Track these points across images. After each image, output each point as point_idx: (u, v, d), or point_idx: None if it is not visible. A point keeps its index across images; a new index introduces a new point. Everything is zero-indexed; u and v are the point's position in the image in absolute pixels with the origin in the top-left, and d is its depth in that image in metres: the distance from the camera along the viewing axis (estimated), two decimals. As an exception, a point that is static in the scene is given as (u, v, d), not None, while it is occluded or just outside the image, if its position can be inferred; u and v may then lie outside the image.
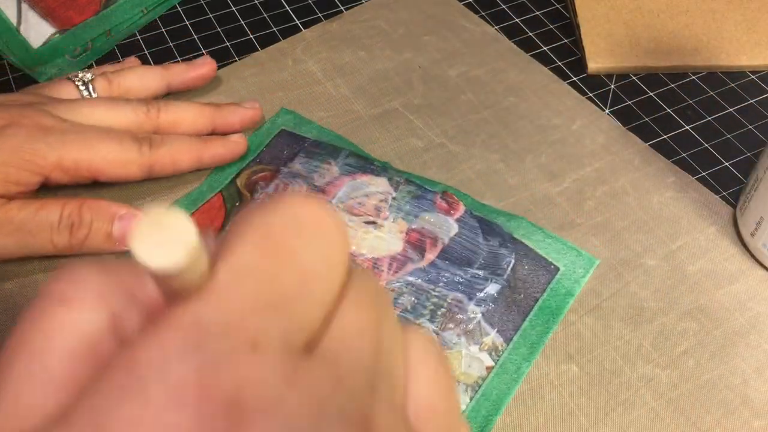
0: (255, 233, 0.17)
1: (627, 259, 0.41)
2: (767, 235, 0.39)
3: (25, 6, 0.47)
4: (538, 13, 0.56)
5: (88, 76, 0.44)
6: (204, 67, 0.48)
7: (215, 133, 0.45)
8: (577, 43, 0.53)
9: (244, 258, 0.16)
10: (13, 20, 0.47)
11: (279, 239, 0.17)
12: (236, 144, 0.44)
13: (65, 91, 0.44)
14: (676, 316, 0.38)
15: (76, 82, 0.44)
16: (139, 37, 0.54)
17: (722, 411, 0.35)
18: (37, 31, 0.49)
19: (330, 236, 0.18)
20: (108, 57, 0.52)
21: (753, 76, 0.51)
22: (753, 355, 0.37)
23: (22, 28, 0.48)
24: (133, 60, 0.50)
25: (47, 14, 0.49)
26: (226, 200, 0.42)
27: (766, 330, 0.38)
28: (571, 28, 0.55)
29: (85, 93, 0.44)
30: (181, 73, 0.47)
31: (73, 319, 0.16)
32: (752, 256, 0.41)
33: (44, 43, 0.49)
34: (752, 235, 0.40)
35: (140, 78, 0.46)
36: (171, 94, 0.48)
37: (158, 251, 0.14)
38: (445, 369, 0.21)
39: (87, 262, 0.17)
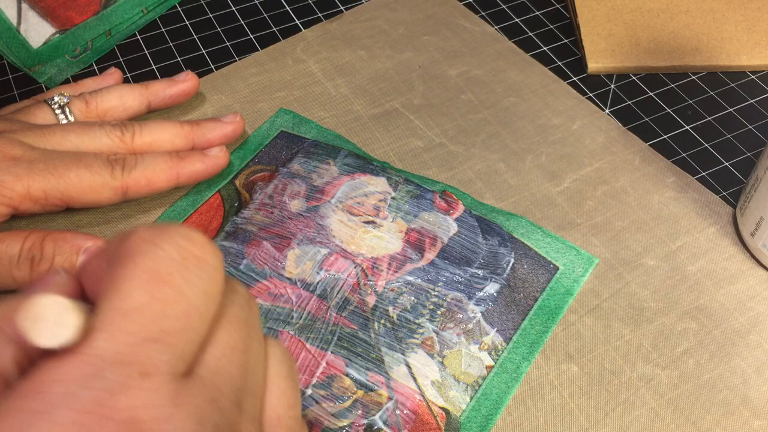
0: (143, 274, 0.19)
1: (627, 259, 0.41)
2: (767, 235, 0.39)
3: (25, 6, 0.47)
4: (538, 13, 0.56)
5: (65, 99, 0.43)
6: (185, 83, 0.47)
7: (195, 148, 0.43)
8: (577, 43, 0.53)
9: (133, 298, 0.18)
10: (13, 20, 0.47)
11: (166, 279, 0.19)
12: (216, 158, 0.42)
13: (41, 115, 0.42)
14: (676, 316, 0.38)
15: (53, 106, 0.43)
16: (139, 37, 0.54)
17: (722, 411, 0.35)
18: (37, 31, 0.49)
19: (210, 269, 0.20)
20: (108, 57, 0.52)
21: (753, 76, 0.51)
22: (753, 355, 0.37)
23: (22, 28, 0.48)
24: (113, 71, 0.48)
25: (47, 14, 0.49)
26: (224, 200, 0.42)
27: (766, 330, 0.38)
28: (571, 28, 0.55)
29: (62, 117, 0.43)
30: (161, 90, 0.46)
31: None
32: (752, 256, 0.41)
33: (44, 43, 0.49)
34: (752, 235, 0.40)
35: (119, 98, 0.44)
36: (153, 111, 0.47)
37: (46, 335, 0.17)
38: (295, 381, 0.24)
39: None
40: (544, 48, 0.53)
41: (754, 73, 0.51)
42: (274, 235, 0.40)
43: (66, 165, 0.38)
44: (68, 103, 0.43)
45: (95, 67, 0.52)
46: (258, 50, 0.52)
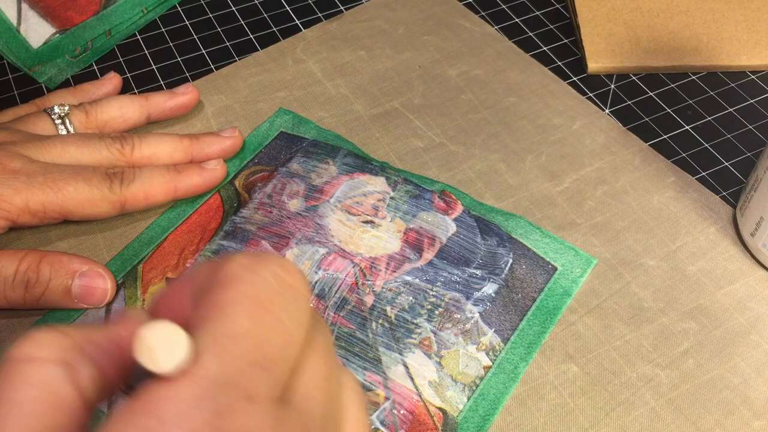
0: (246, 300, 0.20)
1: (627, 259, 0.41)
2: (767, 235, 0.39)
3: (25, 6, 0.48)
4: (538, 13, 0.56)
5: (65, 109, 0.43)
6: (185, 96, 0.47)
7: (193, 162, 0.43)
8: (577, 43, 0.53)
9: (238, 323, 0.19)
10: (13, 20, 0.47)
11: (267, 306, 0.20)
12: (213, 171, 0.42)
13: (41, 125, 0.42)
14: (676, 316, 0.38)
15: (52, 116, 0.43)
16: (139, 37, 0.54)
17: (722, 411, 0.35)
18: (37, 31, 0.49)
19: (303, 298, 0.21)
20: (108, 57, 0.52)
21: (753, 76, 0.51)
22: (753, 355, 0.37)
23: (22, 28, 0.48)
24: (112, 76, 0.48)
25: (47, 14, 0.49)
26: (224, 201, 0.42)
27: (766, 330, 0.38)
28: (571, 28, 0.55)
29: (62, 128, 0.43)
30: (161, 102, 0.46)
31: (35, 372, 0.19)
32: (752, 256, 0.41)
33: (44, 43, 0.49)
34: (752, 235, 0.40)
35: (119, 109, 0.44)
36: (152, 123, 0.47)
37: (162, 360, 0.18)
38: (365, 409, 0.24)
39: (45, 329, 0.20)
40: (544, 48, 0.53)
41: (754, 73, 0.51)
42: (272, 234, 0.40)
43: (65, 179, 0.38)
44: (68, 113, 0.43)
45: (95, 68, 0.52)
46: (258, 50, 0.52)
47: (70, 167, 0.39)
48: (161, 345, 0.18)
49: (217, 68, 0.51)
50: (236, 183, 0.43)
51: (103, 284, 0.38)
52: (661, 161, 0.45)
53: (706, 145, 0.47)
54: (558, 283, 0.39)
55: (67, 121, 0.43)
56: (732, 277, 0.40)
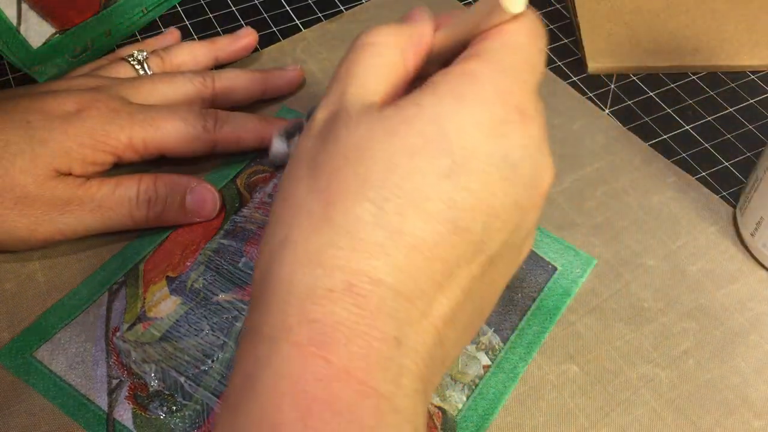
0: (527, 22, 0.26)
1: (627, 259, 0.41)
2: (767, 235, 0.39)
3: (25, 6, 0.47)
4: (538, 13, 0.56)
5: (143, 54, 0.46)
6: (247, 38, 0.50)
7: (265, 98, 0.48)
8: (577, 43, 0.53)
9: (534, 32, 0.27)
10: (13, 20, 0.47)
11: (540, 32, 0.27)
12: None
13: (122, 71, 0.45)
14: (676, 316, 0.38)
15: (132, 62, 0.46)
16: (139, 37, 0.54)
17: (722, 411, 0.35)
18: (37, 31, 0.49)
19: (545, 43, 0.28)
20: (109, 56, 0.52)
21: (753, 76, 0.51)
22: (753, 355, 0.37)
23: (22, 28, 0.48)
24: (172, 30, 0.52)
25: (47, 14, 0.49)
26: (225, 200, 0.42)
27: (766, 330, 0.38)
28: (571, 28, 0.55)
29: (141, 72, 0.46)
30: (227, 45, 0.49)
31: (379, 53, 0.27)
32: (752, 256, 0.41)
33: (44, 43, 0.49)
34: (752, 235, 0.40)
35: (190, 53, 0.48)
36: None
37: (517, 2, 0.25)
38: None
39: (382, 26, 0.28)
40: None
41: (754, 73, 0.51)
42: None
43: (163, 117, 0.41)
44: (146, 58, 0.46)
45: (95, 67, 0.52)
46: (258, 50, 0.52)
47: (166, 107, 0.42)
48: None
49: (217, 68, 0.51)
50: (238, 183, 0.43)
51: (213, 197, 0.41)
52: (661, 161, 0.45)
53: (706, 145, 0.47)
54: (558, 283, 0.39)
55: (145, 65, 0.46)
56: (732, 277, 0.40)
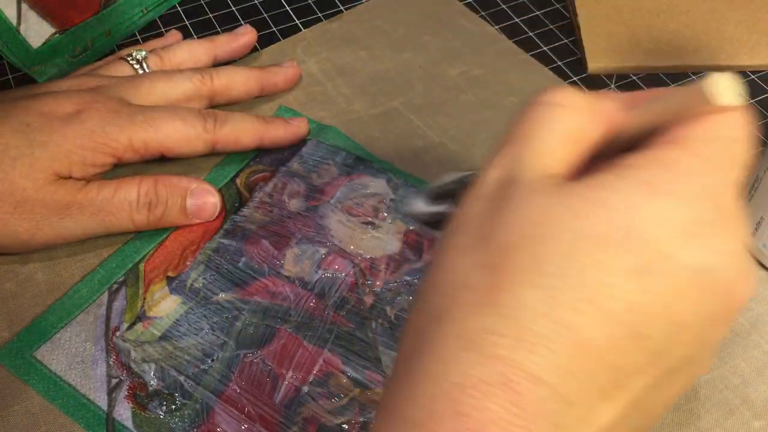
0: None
1: (627, 259, 0.40)
2: (767, 236, 0.39)
3: (25, 6, 0.47)
4: (538, 13, 0.56)
5: (141, 54, 0.46)
6: (246, 36, 0.50)
7: (263, 95, 0.48)
8: (577, 43, 0.53)
9: (745, 128, 0.23)
10: (13, 20, 0.47)
11: (746, 130, 0.23)
12: (297, 128, 0.45)
13: (121, 70, 0.45)
14: (676, 316, 0.38)
15: (131, 62, 0.46)
16: (139, 37, 0.54)
17: (722, 411, 0.35)
18: (37, 31, 0.49)
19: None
20: (109, 57, 0.52)
21: (753, 76, 0.51)
22: (753, 355, 0.37)
23: (22, 28, 0.48)
24: (174, 33, 0.51)
25: (47, 14, 0.49)
26: (225, 200, 0.42)
27: (766, 330, 0.38)
28: (571, 28, 0.55)
29: (140, 71, 0.46)
30: (226, 43, 0.49)
31: (568, 117, 0.24)
32: (752, 256, 0.41)
33: (44, 43, 0.49)
34: (752, 235, 0.40)
35: (189, 52, 0.48)
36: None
37: (729, 93, 0.22)
38: None
39: (571, 89, 0.25)
40: (544, 48, 0.53)
41: (754, 73, 0.51)
42: (273, 233, 0.40)
43: (163, 117, 0.41)
44: (145, 58, 0.46)
45: (95, 67, 0.52)
46: (258, 50, 0.52)
47: (166, 107, 0.42)
48: (727, 87, 0.22)
49: (216, 67, 0.51)
50: (237, 182, 0.43)
51: (213, 199, 0.41)
52: (661, 161, 0.45)
53: (706, 145, 0.47)
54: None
55: (144, 64, 0.46)
56: (732, 277, 0.40)
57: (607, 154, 0.24)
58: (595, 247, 0.21)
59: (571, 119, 0.24)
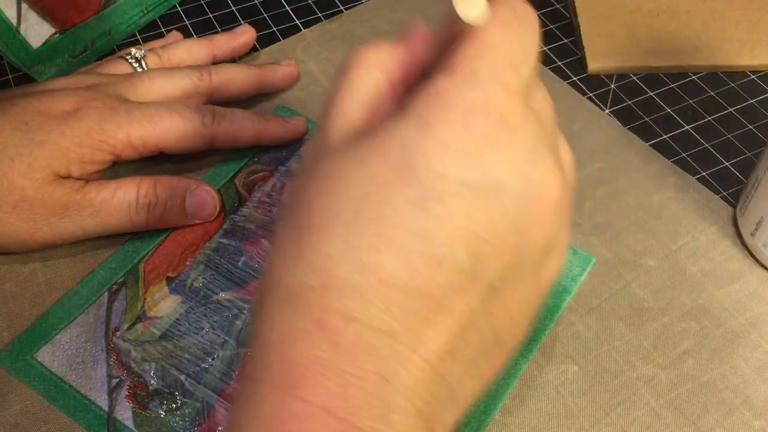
0: (495, 19, 0.24)
1: (627, 259, 0.41)
2: (767, 235, 0.39)
3: (25, 6, 0.47)
4: (538, 13, 0.56)
5: (140, 52, 0.46)
6: (245, 35, 0.50)
7: (261, 92, 0.48)
8: (577, 43, 0.53)
9: (493, 37, 0.24)
10: (13, 20, 0.47)
11: (511, 26, 0.24)
12: (296, 127, 0.45)
13: (120, 69, 0.45)
14: (676, 316, 0.38)
15: (129, 60, 0.46)
16: (139, 37, 0.54)
17: (722, 411, 0.35)
18: (37, 31, 0.49)
19: (535, 26, 0.25)
20: (108, 57, 0.52)
21: (753, 76, 0.51)
22: (753, 355, 0.37)
23: (22, 28, 0.48)
24: (175, 34, 0.51)
25: (47, 14, 0.49)
26: (224, 200, 0.42)
27: (766, 330, 0.38)
28: (571, 28, 0.55)
29: (139, 70, 0.46)
30: (225, 42, 0.49)
31: (365, 75, 0.26)
32: (752, 256, 0.41)
33: (44, 43, 0.49)
34: (752, 235, 0.40)
35: (188, 50, 0.48)
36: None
37: (469, 8, 0.23)
38: None
39: (374, 43, 0.27)
40: (544, 48, 0.53)
41: (754, 73, 0.51)
42: (272, 232, 0.40)
43: (161, 113, 0.40)
44: (144, 56, 0.46)
45: (95, 67, 0.51)
46: (258, 50, 0.52)
47: (164, 103, 0.42)
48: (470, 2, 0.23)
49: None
50: (236, 182, 0.43)
51: (212, 200, 0.41)
52: (661, 161, 0.45)
53: (706, 145, 0.47)
54: (557, 282, 0.39)
55: (143, 63, 0.46)
56: (732, 277, 0.40)
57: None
58: (380, 187, 0.22)
59: (366, 74, 0.26)
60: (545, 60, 0.52)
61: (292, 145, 0.45)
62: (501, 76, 0.23)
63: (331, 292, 0.22)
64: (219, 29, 0.54)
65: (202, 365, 0.35)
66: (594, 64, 0.51)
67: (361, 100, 0.25)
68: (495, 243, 0.22)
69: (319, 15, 0.56)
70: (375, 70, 0.26)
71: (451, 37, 0.25)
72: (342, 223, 0.22)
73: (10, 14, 0.47)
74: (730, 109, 0.49)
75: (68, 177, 0.38)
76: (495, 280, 0.23)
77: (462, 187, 0.22)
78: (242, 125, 0.43)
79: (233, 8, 0.56)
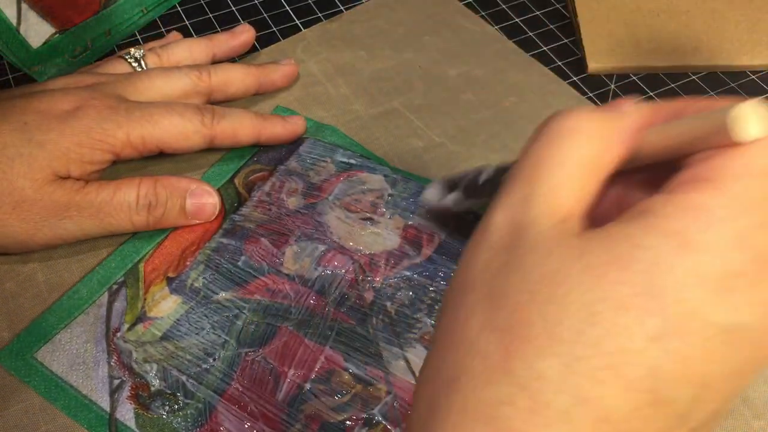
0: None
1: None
2: None
3: (25, 6, 0.47)
4: (538, 13, 0.56)
5: (140, 52, 0.46)
6: (245, 34, 0.50)
7: (261, 92, 0.48)
8: (577, 43, 0.53)
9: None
10: (13, 20, 0.47)
11: None
12: (294, 125, 0.45)
13: (119, 68, 0.45)
14: (677, 315, 0.38)
15: (129, 60, 0.46)
16: (139, 37, 0.54)
17: (723, 410, 0.35)
18: (37, 31, 0.49)
19: None
20: (108, 57, 0.52)
21: (753, 76, 0.51)
22: (754, 354, 0.37)
23: (22, 28, 0.48)
24: (175, 34, 0.51)
25: (47, 14, 0.49)
26: (224, 200, 0.42)
27: (766, 329, 0.38)
28: (571, 28, 0.55)
29: (138, 69, 0.46)
30: (224, 42, 0.49)
31: (579, 145, 0.22)
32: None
33: (44, 43, 0.49)
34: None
35: (188, 50, 0.48)
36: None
37: (756, 125, 0.20)
38: None
39: (582, 109, 0.23)
40: (544, 48, 0.53)
41: (754, 73, 0.51)
42: (272, 231, 0.40)
43: (161, 113, 0.41)
44: (144, 56, 0.46)
45: (95, 67, 0.51)
46: (258, 50, 0.52)
47: (163, 103, 0.42)
48: (754, 118, 0.20)
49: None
50: (236, 182, 0.43)
51: (212, 200, 0.41)
52: (661, 161, 0.45)
53: (707, 144, 0.47)
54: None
55: (142, 62, 0.46)
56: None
57: (623, 177, 0.23)
58: (616, 310, 0.19)
59: (584, 148, 0.22)
60: (545, 60, 0.52)
61: (292, 144, 0.45)
62: (766, 205, 0.20)
63: (538, 418, 0.19)
64: (219, 29, 0.54)
65: (203, 366, 0.35)
66: (594, 64, 0.51)
67: (576, 177, 0.22)
68: (718, 388, 0.20)
69: (319, 15, 0.56)
70: (599, 142, 0.22)
71: (690, 141, 0.21)
72: (564, 342, 0.19)
73: (10, 14, 0.47)
74: (730, 109, 0.49)
75: (68, 177, 0.38)
76: (699, 425, 0.21)
77: (709, 327, 0.19)
78: (242, 124, 0.43)
79: (233, 8, 0.56)
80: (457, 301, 0.22)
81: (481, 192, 0.35)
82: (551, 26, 0.55)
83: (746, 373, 0.20)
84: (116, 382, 0.35)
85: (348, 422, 0.34)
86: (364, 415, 0.34)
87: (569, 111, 0.23)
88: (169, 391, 0.35)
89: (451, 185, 0.37)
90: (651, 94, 0.50)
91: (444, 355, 0.21)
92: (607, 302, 0.19)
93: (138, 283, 0.39)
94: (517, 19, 0.56)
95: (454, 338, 0.21)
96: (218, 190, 0.42)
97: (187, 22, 0.55)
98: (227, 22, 0.55)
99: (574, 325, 0.19)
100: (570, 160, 0.22)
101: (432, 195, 0.38)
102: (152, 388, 0.35)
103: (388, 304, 0.37)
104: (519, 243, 0.21)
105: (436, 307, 0.37)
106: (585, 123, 0.22)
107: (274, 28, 0.55)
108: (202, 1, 0.57)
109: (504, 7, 0.56)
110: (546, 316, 0.19)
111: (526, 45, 0.53)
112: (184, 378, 0.35)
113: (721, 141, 0.20)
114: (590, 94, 0.50)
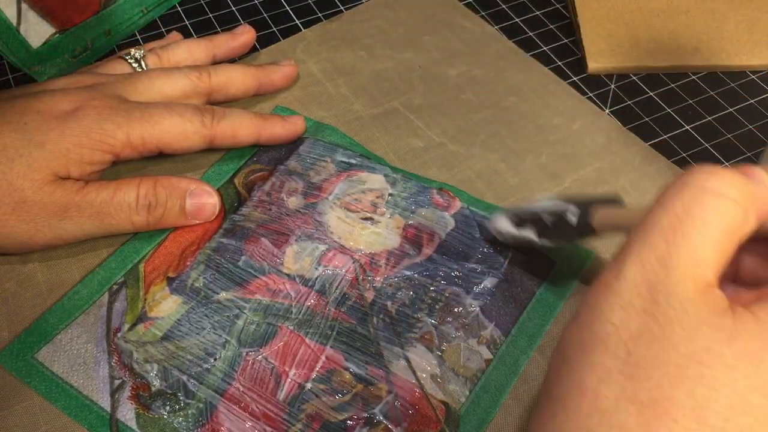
0: None
1: (627, 258, 0.40)
2: None
3: (25, 6, 0.47)
4: (538, 13, 0.56)
5: (140, 53, 0.46)
6: (245, 35, 0.50)
7: (261, 92, 0.48)
8: (577, 43, 0.53)
9: None
10: (13, 20, 0.47)
11: None
12: (294, 125, 0.45)
13: (119, 69, 0.45)
14: (677, 315, 0.38)
15: (129, 60, 0.46)
16: (139, 37, 0.54)
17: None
18: (37, 31, 0.49)
19: None
20: (108, 57, 0.52)
21: (753, 76, 0.51)
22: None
23: (22, 28, 0.48)
24: (175, 34, 0.51)
25: (47, 14, 0.49)
26: (224, 200, 0.42)
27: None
28: (571, 28, 0.55)
29: (138, 70, 0.46)
30: (224, 42, 0.49)
31: (724, 210, 0.21)
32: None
33: (44, 43, 0.49)
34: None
35: (188, 51, 0.48)
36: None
37: None
38: None
39: (723, 171, 0.22)
40: (544, 48, 0.53)
41: (754, 73, 0.51)
42: (272, 231, 0.40)
43: (160, 113, 0.41)
44: (144, 56, 0.46)
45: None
46: (258, 50, 0.52)
47: (163, 103, 0.42)
48: None
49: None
50: (236, 182, 0.43)
51: (212, 200, 0.41)
52: (661, 161, 0.45)
53: (706, 145, 0.47)
54: (557, 277, 0.39)
55: (142, 63, 0.46)
56: (733, 276, 0.40)
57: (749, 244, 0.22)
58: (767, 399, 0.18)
59: (730, 214, 0.21)
60: (545, 60, 0.52)
61: (292, 144, 0.45)
62: None
63: None
64: (219, 29, 0.54)
65: (204, 366, 0.35)
66: (594, 64, 0.51)
67: (719, 244, 0.21)
68: None
69: (319, 15, 0.56)
70: (739, 210, 0.21)
71: None
72: (710, 427, 0.19)
73: (10, 14, 0.47)
74: (730, 109, 0.49)
75: (68, 178, 0.38)
76: None
77: None
78: (241, 125, 0.43)
79: (233, 8, 0.56)
80: (585, 358, 0.21)
81: (568, 235, 0.35)
82: (551, 26, 0.55)
83: None
84: (117, 382, 0.35)
85: (349, 422, 0.34)
86: (365, 415, 0.34)
87: (710, 169, 0.22)
88: (170, 391, 0.35)
89: (521, 220, 0.37)
90: (651, 94, 0.50)
91: (570, 416, 0.20)
92: (759, 392, 0.18)
93: (138, 284, 0.39)
94: (517, 19, 0.56)
95: (583, 403, 0.20)
96: (218, 190, 0.42)
97: (187, 22, 0.55)
98: (227, 23, 0.55)
99: (722, 412, 0.19)
100: (715, 225, 0.21)
101: (503, 227, 0.38)
102: (153, 388, 0.35)
103: (389, 303, 0.37)
104: (661, 309, 0.20)
105: (436, 306, 0.37)
106: (730, 188, 0.21)
107: (274, 28, 0.55)
108: (202, 1, 0.57)
109: (504, 7, 0.56)
110: (693, 398, 0.19)
111: (526, 45, 0.53)
112: (185, 378, 0.35)
113: None
114: (590, 94, 0.50)
